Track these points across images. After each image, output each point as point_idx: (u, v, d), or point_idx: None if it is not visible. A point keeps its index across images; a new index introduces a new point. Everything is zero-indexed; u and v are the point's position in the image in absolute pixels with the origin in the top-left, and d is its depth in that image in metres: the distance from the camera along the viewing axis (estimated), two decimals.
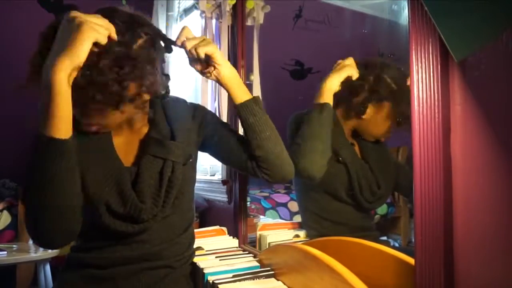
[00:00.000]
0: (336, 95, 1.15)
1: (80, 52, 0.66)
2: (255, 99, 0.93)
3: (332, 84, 1.11)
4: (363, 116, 1.16)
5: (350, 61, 1.15)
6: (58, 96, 0.67)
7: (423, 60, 0.58)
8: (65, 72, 0.66)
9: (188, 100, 1.04)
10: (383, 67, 1.16)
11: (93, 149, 0.86)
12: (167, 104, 0.97)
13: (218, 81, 0.93)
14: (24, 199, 0.74)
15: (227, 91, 0.94)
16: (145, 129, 0.93)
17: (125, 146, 0.91)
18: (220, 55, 0.89)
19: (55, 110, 0.67)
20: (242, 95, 0.93)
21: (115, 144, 0.90)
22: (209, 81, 1.50)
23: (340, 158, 1.14)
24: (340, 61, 1.16)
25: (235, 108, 0.94)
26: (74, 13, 0.70)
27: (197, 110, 1.01)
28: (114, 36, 0.73)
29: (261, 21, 1.42)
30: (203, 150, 1.03)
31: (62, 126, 0.69)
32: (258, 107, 0.92)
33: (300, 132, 1.11)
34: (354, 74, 1.13)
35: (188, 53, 0.89)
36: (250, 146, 0.92)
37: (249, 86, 1.38)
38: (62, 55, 0.66)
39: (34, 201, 0.72)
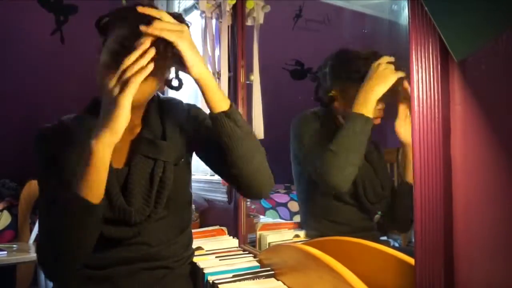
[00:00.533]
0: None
1: (119, 129, 0.72)
2: (228, 111, 0.81)
3: (379, 94, 1.03)
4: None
5: (389, 64, 1.05)
6: (101, 165, 0.74)
7: (423, 60, 0.58)
8: (108, 147, 0.73)
9: (188, 100, 1.03)
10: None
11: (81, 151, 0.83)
12: (162, 104, 0.96)
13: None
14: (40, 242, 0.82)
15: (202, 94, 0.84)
16: (137, 129, 0.92)
17: (116, 147, 0.84)
18: (189, 50, 0.77)
19: (93, 178, 0.74)
20: (215, 104, 0.81)
21: None
22: None
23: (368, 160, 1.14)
24: (380, 63, 1.05)
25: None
26: (109, 90, 0.72)
27: (192, 111, 0.99)
28: None
29: (261, 21, 1.42)
30: (197, 154, 1.00)
31: (97, 192, 0.75)
32: (231, 121, 0.81)
33: (338, 140, 1.04)
34: (401, 80, 1.03)
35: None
36: (225, 163, 0.85)
37: (249, 86, 1.38)
38: (104, 131, 0.72)
39: (54, 246, 0.78)
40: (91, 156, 0.72)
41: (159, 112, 0.95)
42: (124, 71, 0.71)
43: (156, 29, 0.73)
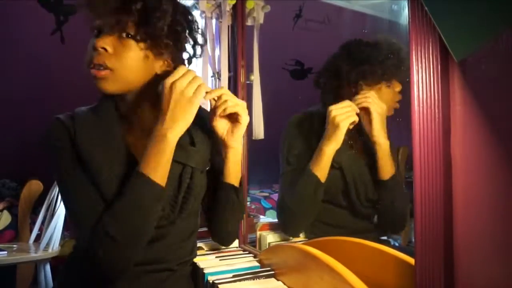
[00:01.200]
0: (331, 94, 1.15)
1: (189, 122, 0.81)
2: (239, 188, 0.95)
3: (333, 150, 1.08)
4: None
5: (338, 111, 1.06)
6: (170, 152, 0.80)
7: (423, 60, 0.58)
8: (179, 136, 0.80)
9: None
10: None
11: (105, 147, 0.83)
12: None
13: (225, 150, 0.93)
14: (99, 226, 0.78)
15: (225, 162, 0.93)
16: None
17: (141, 148, 0.85)
18: (245, 126, 0.91)
19: (164, 161, 0.79)
20: (231, 176, 0.94)
21: (129, 144, 0.87)
22: (209, 81, 1.50)
23: (335, 164, 1.11)
24: (334, 113, 1.06)
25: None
26: (185, 91, 0.80)
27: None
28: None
29: (261, 21, 1.42)
30: None
31: (165, 177, 0.80)
32: (234, 195, 0.95)
33: (293, 197, 1.14)
34: (352, 120, 1.06)
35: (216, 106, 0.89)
36: (208, 215, 1.01)
37: (249, 86, 1.38)
38: (178, 125, 0.79)
39: (118, 229, 0.77)
40: (166, 145, 0.78)
41: None
42: (195, 77, 0.81)
43: (232, 105, 0.88)
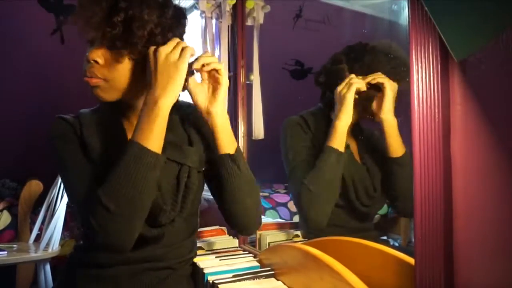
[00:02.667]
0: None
1: (179, 88, 0.80)
2: (234, 155, 0.87)
3: (345, 125, 1.08)
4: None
5: (346, 85, 1.08)
6: (163, 119, 0.78)
7: (423, 60, 0.58)
8: (169, 105, 0.79)
9: (189, 101, 1.02)
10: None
11: (110, 147, 0.85)
12: (182, 108, 0.95)
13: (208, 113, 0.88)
14: (98, 199, 0.75)
15: (214, 133, 0.87)
16: None
17: None
18: (225, 93, 0.87)
19: (157, 129, 0.78)
20: (223, 145, 0.87)
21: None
22: None
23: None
24: (339, 89, 1.09)
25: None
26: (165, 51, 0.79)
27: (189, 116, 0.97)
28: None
29: (261, 21, 1.42)
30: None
31: (160, 144, 0.79)
32: (234, 165, 0.87)
33: (314, 176, 1.08)
34: (356, 87, 1.08)
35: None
36: (219, 197, 0.91)
37: (249, 86, 1.38)
38: (168, 90, 0.78)
39: (112, 200, 0.75)
40: (158, 112, 0.77)
41: (180, 116, 0.95)
42: (179, 42, 0.81)
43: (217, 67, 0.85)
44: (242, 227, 0.94)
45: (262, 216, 1.56)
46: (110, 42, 0.79)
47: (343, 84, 1.09)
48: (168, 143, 0.86)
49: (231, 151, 0.87)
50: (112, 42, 0.78)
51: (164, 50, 0.79)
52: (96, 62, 0.80)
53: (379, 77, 1.08)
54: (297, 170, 1.16)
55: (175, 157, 0.87)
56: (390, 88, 1.07)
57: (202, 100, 0.87)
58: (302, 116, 1.24)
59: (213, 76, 0.87)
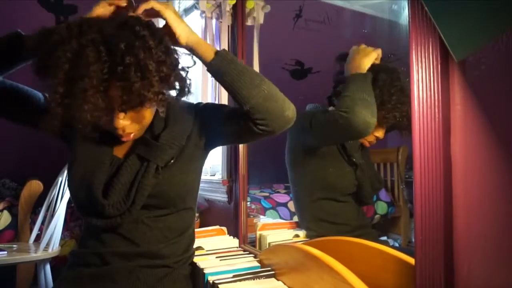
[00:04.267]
0: None
1: None
2: (219, 56, 0.84)
3: (368, 63, 1.09)
4: None
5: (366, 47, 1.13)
6: None
7: (423, 60, 0.58)
8: None
9: (189, 100, 1.03)
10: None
11: (94, 144, 0.91)
12: (172, 107, 0.95)
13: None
14: None
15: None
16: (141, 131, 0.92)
17: (122, 150, 0.94)
18: (175, 19, 0.84)
19: None
20: (207, 55, 0.85)
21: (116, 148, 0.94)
22: (209, 79, 1.50)
23: (354, 160, 1.17)
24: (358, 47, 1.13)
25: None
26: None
27: (198, 110, 0.99)
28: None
29: (261, 21, 1.42)
30: (215, 146, 1.03)
31: None
32: (224, 61, 0.84)
33: (346, 89, 1.05)
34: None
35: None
36: (239, 105, 0.85)
37: None
38: None
39: None
40: None
41: (167, 114, 0.94)
42: None
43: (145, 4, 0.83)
44: (278, 113, 0.85)
45: (262, 216, 1.57)
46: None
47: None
48: (142, 138, 0.91)
49: (212, 53, 0.85)
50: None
51: None
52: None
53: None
54: (329, 114, 1.10)
55: (141, 152, 0.90)
56: None
57: (175, 41, 0.86)
58: (315, 107, 1.28)
59: (156, 14, 0.86)
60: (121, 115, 0.81)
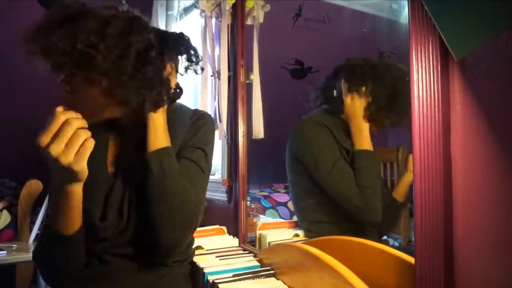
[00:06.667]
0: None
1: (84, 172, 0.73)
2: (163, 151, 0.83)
3: (366, 128, 1.13)
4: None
5: (352, 95, 1.16)
6: (76, 204, 0.77)
7: (423, 59, 0.58)
8: (79, 189, 0.76)
9: (188, 100, 1.03)
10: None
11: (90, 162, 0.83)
12: (169, 112, 0.93)
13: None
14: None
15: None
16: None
17: (119, 151, 0.93)
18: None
19: (62, 212, 0.77)
20: (155, 142, 0.84)
21: (109, 148, 0.93)
22: (209, 80, 1.50)
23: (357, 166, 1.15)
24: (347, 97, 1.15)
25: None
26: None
27: (196, 123, 0.96)
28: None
29: (261, 20, 1.41)
30: None
31: (68, 223, 0.79)
32: (157, 165, 0.82)
33: (365, 177, 1.12)
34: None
35: None
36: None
37: (249, 86, 1.38)
38: (73, 178, 0.73)
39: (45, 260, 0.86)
40: (67, 197, 0.75)
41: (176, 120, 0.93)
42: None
43: None
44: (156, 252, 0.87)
45: (262, 216, 1.57)
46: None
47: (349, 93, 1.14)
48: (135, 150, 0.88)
49: (158, 146, 0.84)
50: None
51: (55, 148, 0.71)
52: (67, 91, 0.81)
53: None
54: (337, 171, 1.16)
55: (134, 163, 0.87)
56: None
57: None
58: (315, 118, 1.25)
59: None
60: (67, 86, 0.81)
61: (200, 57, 0.94)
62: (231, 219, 1.39)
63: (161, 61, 0.84)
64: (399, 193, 1.16)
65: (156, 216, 0.82)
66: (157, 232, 0.82)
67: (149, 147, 0.84)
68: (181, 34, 0.92)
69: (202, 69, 0.97)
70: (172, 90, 0.90)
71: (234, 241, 1.25)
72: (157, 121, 0.85)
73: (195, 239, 1.06)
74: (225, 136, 1.43)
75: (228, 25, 1.42)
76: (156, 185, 0.81)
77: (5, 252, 1.85)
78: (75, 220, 0.78)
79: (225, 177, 1.48)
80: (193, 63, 0.93)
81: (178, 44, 0.90)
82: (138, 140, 0.88)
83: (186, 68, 0.92)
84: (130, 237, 0.86)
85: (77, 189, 0.75)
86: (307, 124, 1.24)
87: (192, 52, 0.92)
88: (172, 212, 0.82)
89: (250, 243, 1.26)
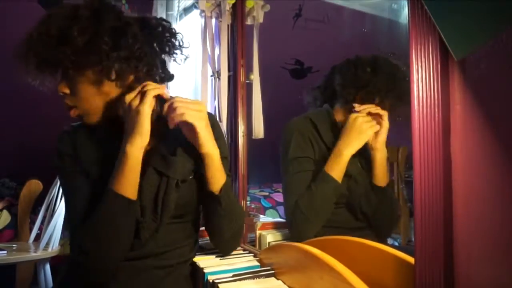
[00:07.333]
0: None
1: (145, 132, 0.81)
2: (219, 195, 0.89)
3: (354, 151, 1.09)
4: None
5: (366, 118, 1.10)
6: (133, 165, 0.81)
7: (423, 59, 0.58)
8: (140, 150, 0.82)
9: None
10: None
11: (107, 160, 0.87)
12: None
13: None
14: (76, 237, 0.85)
15: (204, 169, 0.89)
16: (151, 141, 0.89)
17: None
18: (204, 129, 0.85)
19: (130, 175, 0.81)
20: (214, 182, 0.89)
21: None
22: (209, 80, 1.50)
23: (347, 169, 1.12)
24: (358, 116, 1.09)
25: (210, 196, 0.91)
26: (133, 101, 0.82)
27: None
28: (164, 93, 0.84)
29: (261, 20, 1.41)
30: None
31: (134, 189, 0.82)
32: (218, 204, 0.90)
33: (308, 201, 1.10)
34: (376, 130, 1.10)
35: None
36: (205, 221, 0.97)
37: (249, 86, 1.38)
38: (133, 137, 0.81)
39: (91, 245, 0.81)
40: (127, 159, 0.80)
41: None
42: (144, 85, 0.83)
43: (179, 113, 0.83)
44: (218, 248, 1.04)
45: (262, 216, 1.57)
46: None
47: (366, 117, 1.10)
48: (156, 153, 0.89)
49: (215, 190, 0.89)
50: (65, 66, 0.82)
51: (128, 97, 0.82)
52: (65, 93, 0.84)
53: (379, 110, 1.11)
54: (294, 183, 1.17)
55: (159, 167, 0.88)
56: (387, 122, 1.11)
57: (190, 137, 0.89)
58: (310, 119, 1.23)
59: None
60: (62, 81, 0.84)
61: (181, 42, 0.93)
62: None
63: (146, 39, 0.86)
64: (378, 178, 1.13)
65: (226, 230, 0.95)
66: (223, 244, 1.01)
67: (212, 186, 0.90)
68: (161, 18, 0.93)
69: (186, 58, 0.96)
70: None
71: (232, 251, 1.25)
72: (215, 155, 0.88)
73: None
74: (225, 136, 1.43)
75: (228, 25, 1.42)
76: (227, 214, 0.92)
77: (5, 252, 1.85)
78: (137, 185, 0.83)
79: None
80: (176, 48, 0.92)
81: (158, 24, 0.91)
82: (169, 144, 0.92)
83: (169, 50, 0.92)
84: (169, 226, 0.89)
85: (138, 154, 0.81)
86: (291, 124, 1.24)
87: (170, 35, 0.92)
88: (240, 228, 1.01)
89: (250, 243, 1.26)
